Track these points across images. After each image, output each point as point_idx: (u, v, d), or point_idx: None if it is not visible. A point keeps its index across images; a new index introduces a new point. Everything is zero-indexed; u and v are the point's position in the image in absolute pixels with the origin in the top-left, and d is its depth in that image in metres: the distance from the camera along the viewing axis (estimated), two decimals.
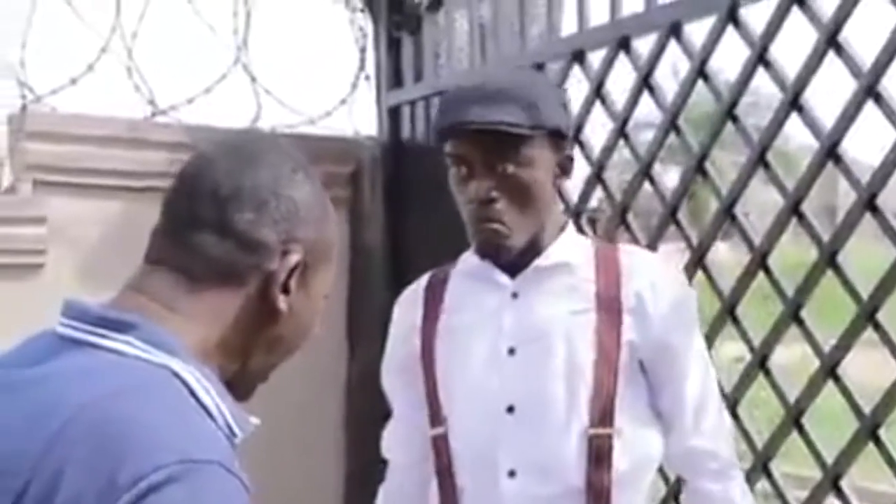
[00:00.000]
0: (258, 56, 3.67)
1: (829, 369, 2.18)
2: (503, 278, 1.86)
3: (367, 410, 3.68)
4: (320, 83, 3.92)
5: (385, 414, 2.04)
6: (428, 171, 3.47)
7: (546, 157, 1.82)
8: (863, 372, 2.37)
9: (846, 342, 2.15)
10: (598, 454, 1.78)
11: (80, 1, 3.42)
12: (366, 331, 3.69)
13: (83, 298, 1.16)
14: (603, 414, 1.79)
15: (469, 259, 1.93)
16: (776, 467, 2.35)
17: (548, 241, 1.86)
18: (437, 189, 3.45)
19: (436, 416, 1.89)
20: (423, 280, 2.00)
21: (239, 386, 1.23)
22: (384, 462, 2.07)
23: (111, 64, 3.41)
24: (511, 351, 1.83)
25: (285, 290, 1.19)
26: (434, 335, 1.90)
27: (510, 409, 1.81)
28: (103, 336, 1.11)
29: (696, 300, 1.94)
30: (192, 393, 1.10)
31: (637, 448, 1.83)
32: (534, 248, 1.85)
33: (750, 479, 2.36)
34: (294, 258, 1.19)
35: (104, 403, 1.04)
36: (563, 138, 1.85)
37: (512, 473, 1.80)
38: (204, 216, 1.17)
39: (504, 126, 1.76)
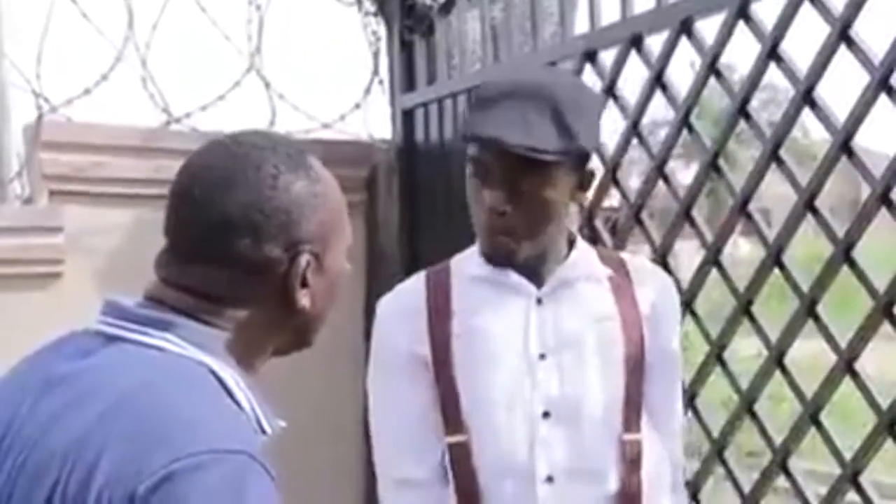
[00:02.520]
0: (272, 62, 3.68)
1: (847, 364, 2.17)
2: (527, 284, 1.83)
3: None
4: (334, 87, 3.93)
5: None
6: (442, 174, 3.47)
7: (568, 178, 1.77)
8: (881, 366, 2.35)
9: (863, 337, 2.14)
10: (632, 459, 1.80)
11: (94, 11, 3.44)
12: None
13: (121, 299, 1.21)
14: (633, 419, 1.82)
15: (475, 261, 1.88)
16: (795, 464, 2.34)
17: (559, 251, 1.86)
18: (452, 191, 3.48)
19: (454, 423, 1.82)
20: (420, 280, 1.93)
21: (288, 349, 1.29)
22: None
23: (125, 73, 3.42)
24: (542, 356, 1.81)
25: (304, 284, 1.22)
26: (448, 338, 1.83)
27: (546, 415, 1.79)
28: (145, 333, 1.17)
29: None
30: (227, 390, 1.16)
31: (654, 448, 1.85)
32: (545, 258, 1.84)
33: (769, 475, 2.36)
34: (303, 259, 1.21)
35: (145, 392, 1.10)
36: (589, 158, 1.81)
37: (549, 479, 1.78)
38: (203, 250, 1.19)
39: (532, 153, 1.69)
